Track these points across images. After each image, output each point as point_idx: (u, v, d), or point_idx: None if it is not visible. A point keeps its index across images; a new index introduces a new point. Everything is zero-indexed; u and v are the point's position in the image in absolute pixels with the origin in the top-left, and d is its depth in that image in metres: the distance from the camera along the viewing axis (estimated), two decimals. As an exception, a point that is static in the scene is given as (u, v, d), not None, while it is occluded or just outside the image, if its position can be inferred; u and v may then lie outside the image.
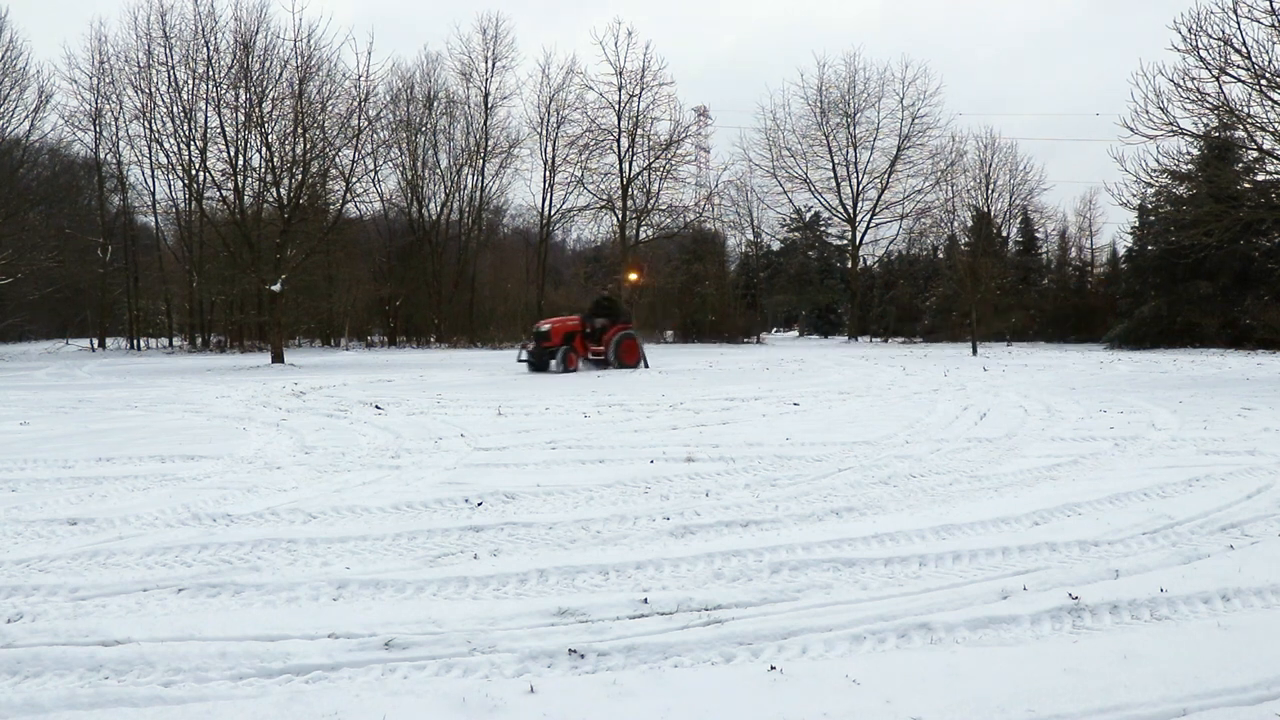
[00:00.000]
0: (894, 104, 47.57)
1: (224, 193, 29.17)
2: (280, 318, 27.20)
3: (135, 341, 38.67)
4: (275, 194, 26.62)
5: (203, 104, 31.98)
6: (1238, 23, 16.15)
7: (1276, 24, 15.84)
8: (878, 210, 49.02)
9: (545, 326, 20.69)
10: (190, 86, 32.50)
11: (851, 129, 48.48)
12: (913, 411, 11.11)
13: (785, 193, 50.47)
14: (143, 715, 2.88)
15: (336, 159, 27.80)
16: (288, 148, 26.32)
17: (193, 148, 32.49)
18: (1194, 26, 16.68)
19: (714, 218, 48.29)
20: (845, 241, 51.53)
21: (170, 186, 37.94)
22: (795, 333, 64.95)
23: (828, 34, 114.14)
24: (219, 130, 29.82)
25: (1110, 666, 3.17)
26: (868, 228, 49.56)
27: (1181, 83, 17.28)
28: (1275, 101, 16.42)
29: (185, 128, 32.50)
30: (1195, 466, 7.01)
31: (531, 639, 3.47)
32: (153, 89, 33.56)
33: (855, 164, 48.78)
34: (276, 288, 25.62)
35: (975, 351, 30.60)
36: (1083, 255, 44.51)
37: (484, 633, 3.53)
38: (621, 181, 39.25)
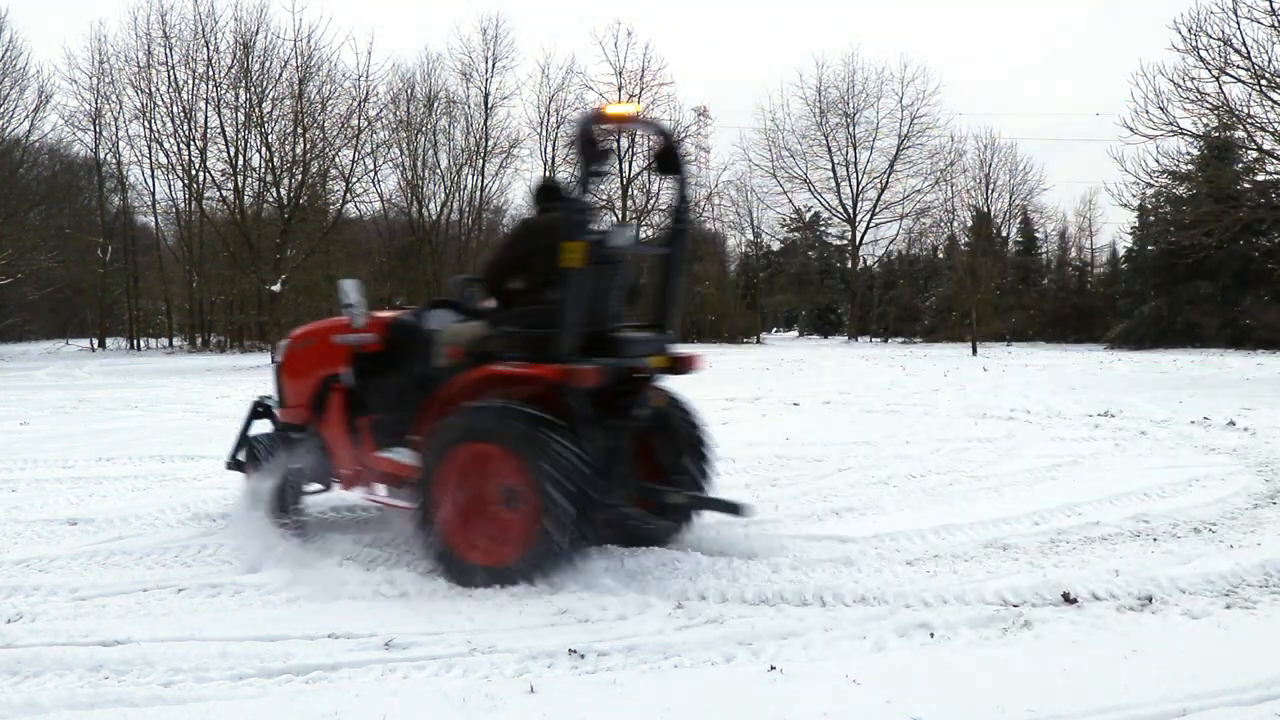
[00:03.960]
0: (893, 104, 47.54)
1: (224, 193, 29.22)
2: (280, 318, 27.19)
3: (135, 341, 38.64)
4: (275, 194, 26.66)
5: (203, 104, 31.97)
6: (1238, 23, 16.19)
7: (1276, 24, 15.85)
8: (877, 210, 48.97)
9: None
10: (190, 86, 32.47)
11: (851, 129, 48.42)
12: (912, 411, 11.11)
13: (785, 193, 50.41)
14: (143, 715, 2.87)
15: (336, 159, 27.83)
16: (288, 148, 26.36)
17: (193, 148, 32.48)
18: (1194, 27, 16.71)
19: (714, 218, 48.29)
20: (845, 241, 51.50)
21: (170, 186, 37.87)
22: (795, 333, 64.90)
23: (829, 44, 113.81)
24: (219, 130, 29.86)
25: (1110, 666, 3.17)
26: (868, 228, 49.53)
27: (1181, 83, 17.33)
28: (1275, 101, 16.44)
29: (185, 128, 32.48)
30: (1195, 466, 7.01)
31: (531, 639, 3.47)
32: (153, 89, 33.52)
33: (855, 164, 48.71)
34: (276, 288, 25.61)
35: (975, 352, 30.59)
36: (1083, 255, 44.51)
37: (484, 633, 3.53)
38: (621, 181, 39.23)
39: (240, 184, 28.18)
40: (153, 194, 39.13)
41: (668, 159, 4.85)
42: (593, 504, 4.01)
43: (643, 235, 40.25)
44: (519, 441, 3.99)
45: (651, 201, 39.87)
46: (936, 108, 47.55)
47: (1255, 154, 19.17)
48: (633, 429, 4.55)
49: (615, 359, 4.36)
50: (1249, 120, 17.01)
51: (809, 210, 52.72)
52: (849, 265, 50.22)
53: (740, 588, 4.07)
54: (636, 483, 4.63)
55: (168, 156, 32.89)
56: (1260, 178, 20.64)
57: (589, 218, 4.22)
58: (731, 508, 4.62)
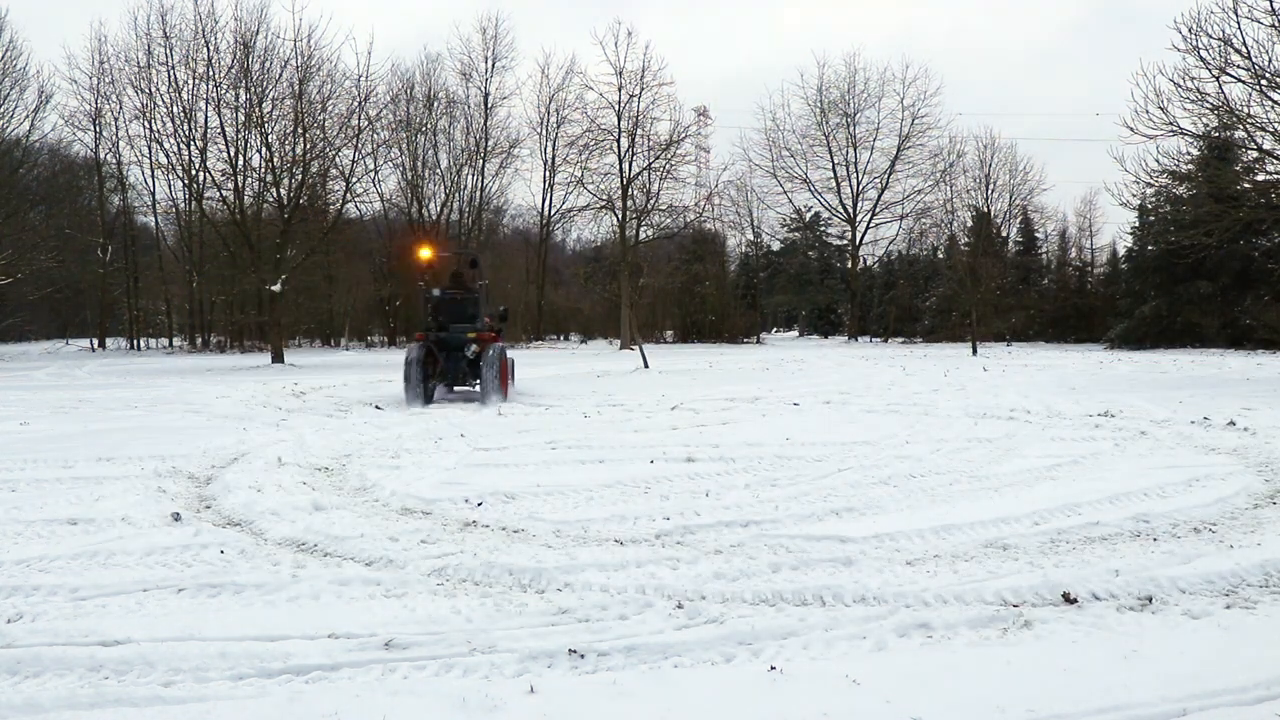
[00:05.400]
0: (894, 104, 47.62)
1: (224, 193, 29.13)
2: (280, 318, 27.18)
3: (135, 341, 38.66)
4: (275, 194, 26.61)
5: (203, 104, 31.92)
6: (1238, 23, 16.17)
7: (1276, 24, 15.84)
8: (878, 210, 49.03)
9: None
10: (190, 86, 32.41)
11: (851, 129, 48.50)
12: (912, 411, 11.10)
13: (785, 193, 50.49)
14: (143, 715, 2.88)
15: (336, 159, 27.82)
16: (288, 148, 26.32)
17: (193, 148, 32.44)
18: (1194, 26, 16.69)
19: (714, 218, 48.31)
20: (845, 241, 51.52)
21: (170, 186, 37.93)
22: (795, 333, 64.91)
23: (829, 50, 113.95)
24: (219, 130, 29.78)
25: (1110, 666, 3.17)
26: (868, 228, 49.59)
27: (1181, 83, 17.29)
28: (1275, 101, 16.42)
29: (185, 128, 32.44)
30: (1195, 466, 7.01)
31: (531, 639, 3.47)
32: (153, 89, 33.48)
33: (855, 164, 48.80)
34: (276, 288, 25.60)
35: (975, 352, 30.59)
36: (1083, 255, 44.54)
37: (484, 633, 3.53)
38: (621, 181, 39.22)
39: (240, 184, 28.14)
40: (153, 194, 39.23)
41: (473, 264, 14.38)
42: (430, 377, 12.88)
43: (644, 234, 40.35)
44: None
45: (651, 201, 39.87)
46: (937, 108, 47.79)
47: (1255, 154, 19.14)
48: (465, 356, 13.03)
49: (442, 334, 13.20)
50: (1249, 120, 16.98)
51: (809, 210, 52.82)
52: (849, 265, 50.22)
53: (740, 588, 4.07)
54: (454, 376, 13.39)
55: (168, 156, 32.86)
56: (1260, 178, 20.57)
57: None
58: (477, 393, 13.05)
